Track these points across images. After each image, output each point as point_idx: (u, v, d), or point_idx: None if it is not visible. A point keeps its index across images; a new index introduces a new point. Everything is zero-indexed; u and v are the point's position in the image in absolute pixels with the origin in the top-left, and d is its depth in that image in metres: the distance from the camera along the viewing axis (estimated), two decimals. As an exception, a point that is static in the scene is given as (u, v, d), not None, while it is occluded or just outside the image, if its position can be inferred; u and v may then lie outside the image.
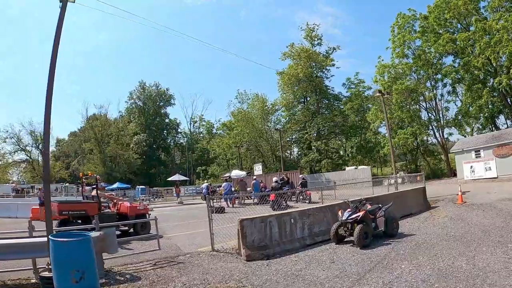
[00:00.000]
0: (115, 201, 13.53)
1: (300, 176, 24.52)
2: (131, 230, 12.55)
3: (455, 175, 32.79)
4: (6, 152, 66.32)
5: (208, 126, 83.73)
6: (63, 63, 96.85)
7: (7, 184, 52.81)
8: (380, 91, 21.92)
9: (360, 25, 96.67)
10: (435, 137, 41.89)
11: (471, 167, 27.53)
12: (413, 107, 40.45)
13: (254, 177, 27.83)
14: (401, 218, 11.79)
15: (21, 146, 67.03)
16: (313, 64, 51.87)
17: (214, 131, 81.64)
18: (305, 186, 23.20)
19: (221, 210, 18.12)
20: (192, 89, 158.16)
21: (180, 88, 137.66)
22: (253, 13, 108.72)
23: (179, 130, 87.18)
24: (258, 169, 39.31)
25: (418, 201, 13.88)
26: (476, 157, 27.54)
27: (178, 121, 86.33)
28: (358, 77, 54.17)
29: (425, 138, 41.57)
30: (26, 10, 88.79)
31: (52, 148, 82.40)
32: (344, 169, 43.20)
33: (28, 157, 69.01)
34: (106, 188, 50.23)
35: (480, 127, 39.01)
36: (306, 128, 52.05)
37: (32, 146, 68.36)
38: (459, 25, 36.99)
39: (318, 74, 53.53)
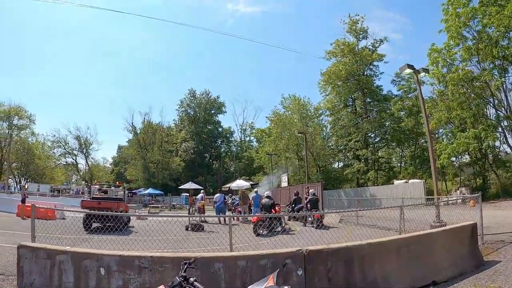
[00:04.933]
0: None
1: (310, 191, 18.54)
2: None
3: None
4: (61, 154, 69.53)
5: (257, 134, 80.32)
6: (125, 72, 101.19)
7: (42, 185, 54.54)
8: (410, 66, 15.01)
9: (421, 27, 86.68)
10: (507, 142, 31.92)
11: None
12: (476, 101, 31.09)
13: (256, 189, 22.55)
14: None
15: (67, 150, 69.09)
16: (359, 60, 44.89)
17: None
18: (315, 205, 17.38)
19: (198, 228, 15.06)
20: (243, 96, 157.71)
21: (231, 95, 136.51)
22: (309, 23, 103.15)
23: (231, 139, 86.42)
24: (284, 180, 33.82)
25: (457, 251, 6.96)
26: None
27: (232, 130, 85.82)
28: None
29: (496, 143, 32.16)
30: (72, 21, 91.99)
31: (113, 153, 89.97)
32: (393, 183, 36.01)
33: (73, 160, 71.13)
34: (138, 194, 50.92)
35: None
36: (351, 134, 45.22)
37: (78, 150, 69.82)
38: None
39: (366, 72, 46.56)
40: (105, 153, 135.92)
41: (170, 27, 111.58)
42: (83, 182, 66.81)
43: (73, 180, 76.34)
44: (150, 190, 53.66)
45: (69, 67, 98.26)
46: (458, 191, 30.16)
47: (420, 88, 16.31)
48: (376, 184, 41.31)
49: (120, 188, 24.70)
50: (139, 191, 55.59)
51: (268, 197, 16.16)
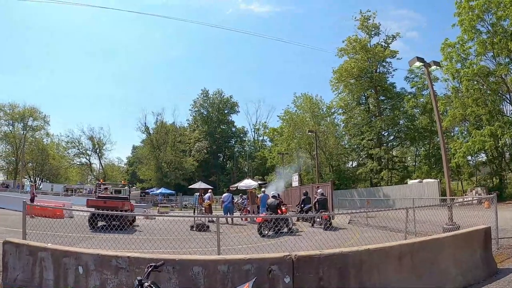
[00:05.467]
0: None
1: (319, 191, 17.96)
2: None
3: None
4: (75, 155, 70.43)
5: (270, 133, 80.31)
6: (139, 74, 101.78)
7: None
8: (420, 59, 14.32)
9: (436, 24, 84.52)
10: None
11: None
12: (491, 97, 29.93)
13: (263, 189, 22.18)
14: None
15: (81, 150, 69.98)
16: (372, 57, 44.05)
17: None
18: (324, 206, 16.82)
19: (203, 228, 14.88)
20: (257, 96, 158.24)
21: (245, 95, 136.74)
22: (324, 24, 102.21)
23: (244, 138, 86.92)
24: (295, 179, 33.18)
25: (468, 259, 6.39)
26: None
27: (245, 130, 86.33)
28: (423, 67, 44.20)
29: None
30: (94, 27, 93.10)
31: (128, 154, 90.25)
32: (407, 183, 35.21)
33: (87, 161, 71.97)
34: (150, 193, 51.48)
35: None
36: (364, 133, 44.43)
37: (91, 151, 70.60)
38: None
39: (379, 69, 45.73)
40: (120, 153, 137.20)
41: (182, 27, 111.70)
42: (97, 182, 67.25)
43: (88, 180, 77.36)
44: (162, 190, 53.92)
45: (82, 69, 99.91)
46: (473, 191, 29.21)
47: (430, 81, 15.59)
48: (389, 184, 40.56)
49: (126, 187, 24.81)
50: (151, 190, 56.02)
51: (274, 196, 15.70)
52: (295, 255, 4.71)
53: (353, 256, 5.06)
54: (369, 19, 44.95)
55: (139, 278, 3.16)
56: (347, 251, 5.08)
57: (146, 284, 3.09)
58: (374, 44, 45.45)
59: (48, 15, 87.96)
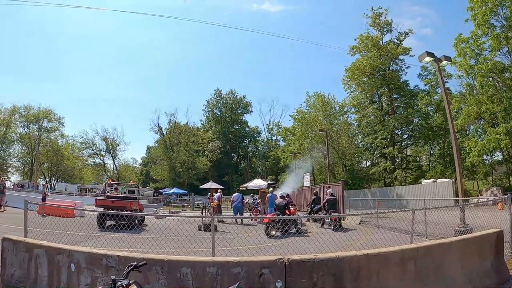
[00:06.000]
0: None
1: (328, 191, 17.66)
2: None
3: None
4: (89, 155, 71.54)
5: (283, 133, 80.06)
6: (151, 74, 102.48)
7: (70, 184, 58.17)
8: (430, 54, 13.84)
9: (451, 21, 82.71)
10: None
11: None
12: (507, 94, 28.84)
13: (271, 189, 21.93)
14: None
15: (95, 151, 70.90)
16: (384, 55, 43.38)
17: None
18: (334, 206, 16.55)
19: (209, 228, 14.24)
20: (270, 95, 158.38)
21: (258, 94, 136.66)
22: (340, 22, 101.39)
23: (258, 138, 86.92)
24: (307, 179, 32.93)
25: (477, 265, 5.99)
26: None
27: (259, 129, 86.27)
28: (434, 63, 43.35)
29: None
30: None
31: (143, 154, 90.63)
32: (420, 183, 34.56)
33: (101, 161, 72.86)
34: (163, 193, 51.81)
35: None
36: (377, 132, 43.80)
37: (105, 151, 71.51)
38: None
39: (392, 67, 44.99)
40: (135, 153, 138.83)
41: (193, 27, 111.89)
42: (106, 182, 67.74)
43: (103, 180, 78.17)
44: (175, 190, 54.36)
45: (95, 71, 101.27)
46: (489, 191, 28.44)
47: (441, 76, 15.15)
48: (403, 184, 39.92)
49: (134, 186, 24.89)
50: (164, 191, 56.50)
51: (282, 196, 15.53)
52: (288, 258, 4.56)
53: (350, 261, 4.84)
54: (381, 16, 44.33)
55: (113, 277, 3.10)
56: (343, 256, 4.88)
57: (119, 283, 3.03)
58: (387, 42, 44.83)
59: (60, 19, 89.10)
